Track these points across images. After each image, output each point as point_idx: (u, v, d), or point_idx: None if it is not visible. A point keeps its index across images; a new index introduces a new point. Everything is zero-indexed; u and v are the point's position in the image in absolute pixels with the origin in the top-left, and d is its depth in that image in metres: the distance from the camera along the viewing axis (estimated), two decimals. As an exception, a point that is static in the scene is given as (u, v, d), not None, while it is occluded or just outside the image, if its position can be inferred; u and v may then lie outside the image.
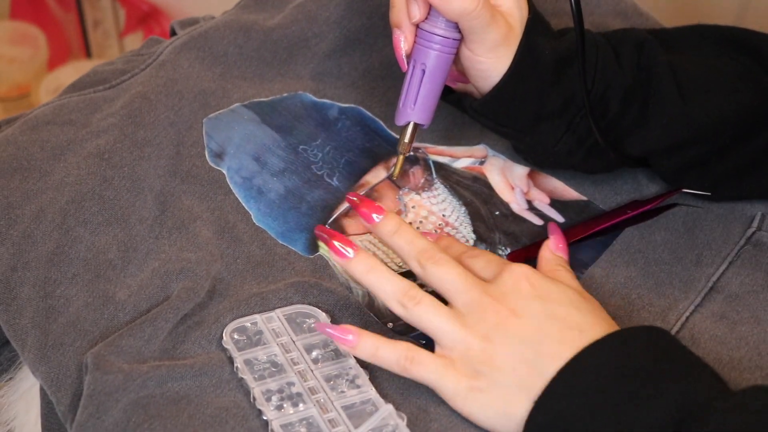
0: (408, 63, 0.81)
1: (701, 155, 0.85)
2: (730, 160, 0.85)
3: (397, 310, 0.73)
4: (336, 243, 0.75)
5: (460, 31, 0.79)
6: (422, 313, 0.72)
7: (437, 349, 0.72)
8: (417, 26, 0.80)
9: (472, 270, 0.74)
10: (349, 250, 0.75)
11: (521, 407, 0.69)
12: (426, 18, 0.79)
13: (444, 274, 0.73)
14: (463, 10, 0.76)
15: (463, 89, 0.85)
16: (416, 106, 0.81)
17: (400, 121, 0.82)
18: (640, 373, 0.66)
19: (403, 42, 0.80)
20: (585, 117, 0.82)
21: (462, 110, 0.87)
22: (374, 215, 0.76)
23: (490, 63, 0.79)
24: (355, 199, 0.77)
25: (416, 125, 0.82)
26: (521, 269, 0.73)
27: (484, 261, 0.75)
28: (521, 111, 0.82)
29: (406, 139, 0.83)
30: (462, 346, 0.71)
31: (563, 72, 0.81)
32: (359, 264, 0.74)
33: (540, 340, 0.69)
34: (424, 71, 0.80)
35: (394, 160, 0.92)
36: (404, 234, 0.75)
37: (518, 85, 0.80)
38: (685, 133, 0.83)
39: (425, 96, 0.81)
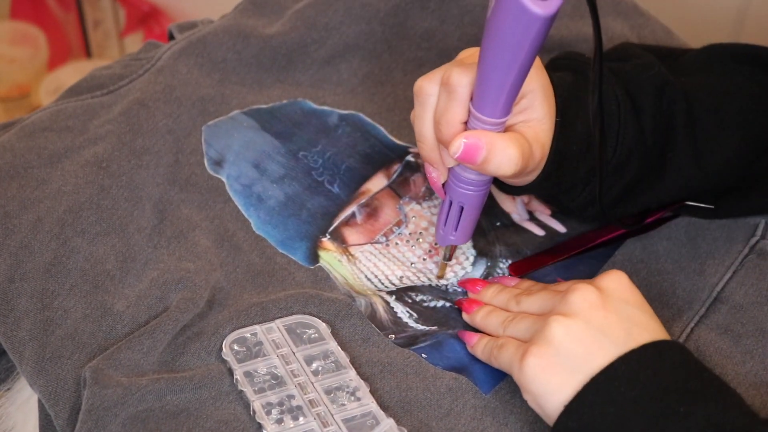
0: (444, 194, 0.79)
1: (708, 191, 0.85)
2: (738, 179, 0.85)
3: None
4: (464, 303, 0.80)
5: None
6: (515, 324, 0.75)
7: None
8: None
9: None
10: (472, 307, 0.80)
11: (570, 391, 0.68)
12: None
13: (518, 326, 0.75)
14: (502, 174, 0.73)
15: None
16: (457, 233, 0.80)
17: (442, 243, 0.81)
18: (673, 389, 0.66)
19: (437, 177, 0.78)
20: (606, 178, 0.80)
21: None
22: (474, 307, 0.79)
23: (527, 180, 0.78)
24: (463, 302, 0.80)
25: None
26: (623, 274, 0.73)
27: (540, 298, 0.76)
28: (548, 192, 0.82)
29: (448, 253, 0.82)
30: (546, 329, 0.70)
31: (589, 149, 0.79)
32: (477, 314, 0.79)
33: (623, 340, 0.68)
34: (462, 208, 0.78)
35: (395, 166, 0.91)
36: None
37: (545, 185, 0.79)
38: (697, 178, 0.83)
39: (465, 225, 0.79)
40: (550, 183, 0.78)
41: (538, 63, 0.74)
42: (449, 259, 0.83)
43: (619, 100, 0.79)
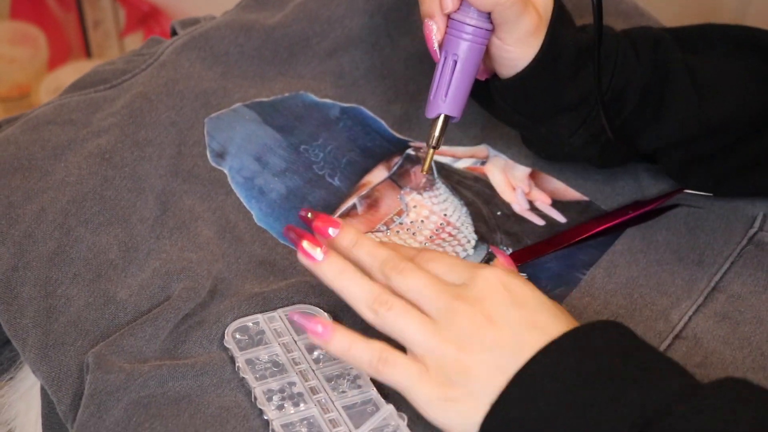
0: (439, 54, 0.80)
1: (708, 151, 0.85)
2: (736, 157, 0.85)
3: (367, 316, 0.69)
4: (305, 244, 0.70)
5: (491, 22, 0.78)
6: (394, 319, 0.68)
7: (409, 354, 0.68)
8: (448, 17, 0.79)
9: (435, 275, 0.70)
10: (318, 251, 0.69)
11: (481, 409, 0.65)
12: (458, 9, 0.78)
13: (412, 283, 0.68)
14: (497, 1, 0.75)
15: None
16: (448, 97, 0.79)
17: (431, 113, 0.80)
18: (597, 377, 0.63)
19: (435, 32, 0.79)
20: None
21: (486, 107, 0.86)
22: (330, 229, 0.71)
23: (519, 52, 0.79)
24: (308, 215, 0.72)
25: (447, 118, 0.80)
26: (495, 273, 0.68)
27: (447, 265, 0.70)
28: (540, 100, 0.81)
29: (437, 132, 0.80)
30: (436, 355, 0.66)
31: (584, 65, 0.81)
32: (329, 267, 0.69)
33: (519, 349, 0.65)
34: (455, 62, 0.79)
35: (395, 159, 0.91)
36: (364, 246, 0.71)
37: (541, 76, 0.79)
38: (698, 129, 0.83)
39: (457, 87, 0.79)
40: (545, 73, 0.79)
41: None
42: (436, 145, 0.81)
43: (618, 39, 0.82)
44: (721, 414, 0.61)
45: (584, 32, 0.82)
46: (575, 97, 0.81)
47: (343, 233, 0.71)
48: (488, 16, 0.78)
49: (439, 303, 0.68)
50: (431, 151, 0.81)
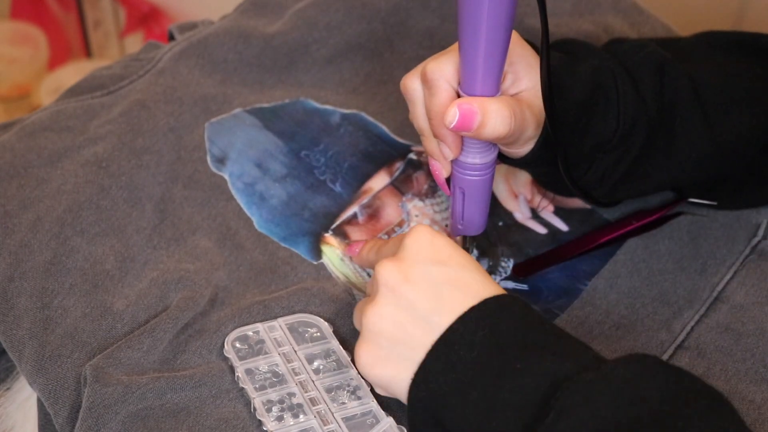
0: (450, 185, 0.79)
1: (724, 172, 0.84)
2: (749, 172, 0.84)
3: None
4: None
5: (494, 151, 0.77)
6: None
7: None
8: None
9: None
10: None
11: (407, 375, 0.68)
12: (459, 154, 0.76)
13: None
14: (497, 137, 0.73)
15: None
16: (464, 222, 0.80)
17: (453, 234, 0.82)
18: (509, 346, 0.65)
19: (441, 171, 0.78)
20: (611, 153, 0.79)
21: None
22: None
23: (524, 150, 0.77)
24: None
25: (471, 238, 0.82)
26: (424, 230, 0.71)
27: (393, 240, 0.77)
28: (551, 170, 0.80)
29: (465, 245, 0.82)
30: (366, 318, 0.69)
31: (588, 120, 0.78)
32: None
33: (440, 307, 0.68)
34: (467, 194, 0.78)
35: (397, 164, 0.91)
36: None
37: (546, 154, 0.78)
38: (711, 153, 0.81)
39: (471, 214, 0.79)
40: (549, 152, 0.77)
41: (516, 38, 0.74)
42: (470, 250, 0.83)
43: (615, 72, 0.79)
44: (627, 382, 0.62)
45: (581, 76, 0.78)
46: (587, 147, 0.79)
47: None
48: (491, 148, 0.76)
49: (377, 264, 0.71)
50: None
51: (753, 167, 0.84)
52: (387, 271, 0.69)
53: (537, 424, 0.62)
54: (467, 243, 0.82)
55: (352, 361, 0.75)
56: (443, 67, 0.73)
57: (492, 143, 0.75)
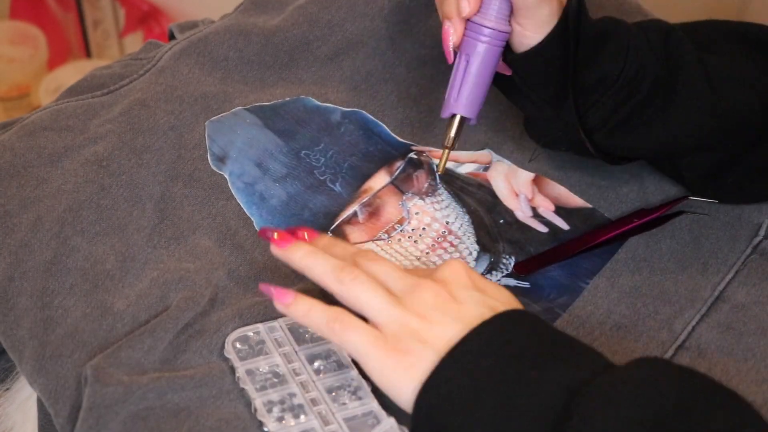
0: (456, 55, 0.80)
1: (724, 155, 0.84)
2: (744, 161, 0.84)
3: (333, 286, 0.70)
4: (275, 235, 0.73)
5: (509, 24, 0.79)
6: (359, 288, 0.70)
7: (369, 323, 0.70)
8: (467, 20, 0.79)
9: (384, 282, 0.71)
10: (289, 241, 0.74)
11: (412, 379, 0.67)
12: (477, 12, 0.78)
13: (380, 267, 0.71)
14: None
15: None
16: (464, 98, 0.80)
17: (445, 113, 0.81)
18: (525, 356, 0.66)
19: (452, 34, 0.79)
20: (614, 95, 0.81)
21: (505, 91, 0.86)
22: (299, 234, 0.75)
23: (537, 37, 0.79)
24: (273, 235, 0.74)
25: (463, 119, 0.81)
26: (459, 263, 0.71)
27: (396, 275, 0.72)
28: (554, 78, 0.81)
29: (452, 133, 0.81)
30: (398, 323, 0.68)
31: (603, 48, 0.80)
32: (297, 249, 0.73)
33: (489, 308, 0.69)
34: (471, 63, 0.79)
35: (397, 163, 0.91)
36: (335, 245, 0.75)
37: (556, 51, 0.79)
38: (712, 123, 0.82)
39: (471, 88, 0.80)
40: (561, 50, 0.78)
41: None
42: (452, 145, 0.82)
43: (629, 27, 0.81)
44: (643, 382, 0.63)
45: (600, 18, 0.81)
46: (592, 79, 0.80)
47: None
48: (507, 17, 0.78)
49: (405, 282, 0.70)
50: (446, 151, 0.82)
51: (756, 158, 0.84)
52: (436, 293, 0.69)
53: (559, 429, 0.62)
54: (454, 129, 0.81)
55: (353, 361, 0.75)
56: None
57: (507, 16, 0.78)
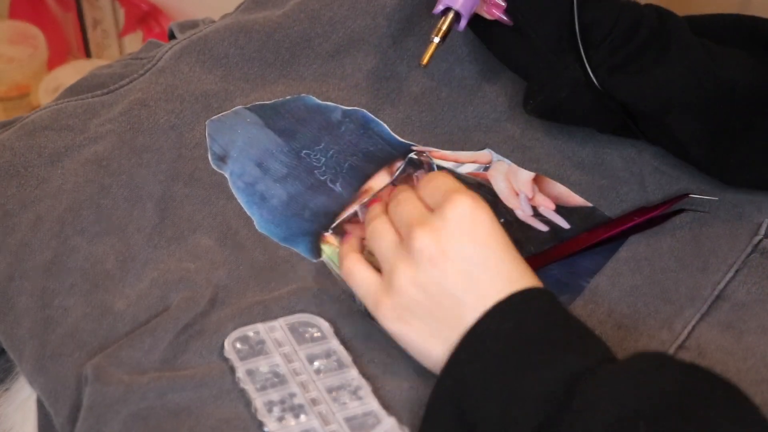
0: None
1: (722, 128, 0.84)
2: (746, 143, 0.84)
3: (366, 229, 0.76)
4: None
5: None
6: (376, 228, 0.75)
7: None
8: None
9: (422, 199, 0.75)
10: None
11: (437, 351, 0.71)
12: None
13: (400, 208, 0.74)
14: None
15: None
16: None
17: (438, 9, 0.81)
18: (535, 340, 0.68)
19: None
20: (609, 41, 0.82)
21: (489, 44, 0.87)
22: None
23: None
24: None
25: (453, 17, 0.80)
26: (466, 201, 0.71)
27: (431, 187, 0.75)
28: (554, 12, 0.81)
29: (443, 26, 0.81)
30: (393, 277, 0.72)
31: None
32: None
33: (464, 288, 0.70)
34: None
35: (397, 163, 0.91)
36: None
37: None
38: (708, 84, 0.82)
39: None
40: None
41: None
42: (440, 37, 0.82)
43: None
44: (645, 373, 0.64)
45: None
46: (589, 19, 0.81)
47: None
48: None
49: (409, 224, 0.72)
50: (433, 44, 0.82)
51: (759, 141, 0.84)
52: (424, 240, 0.71)
53: (560, 412, 0.63)
54: (446, 24, 0.81)
55: (354, 361, 0.75)
56: None
57: None
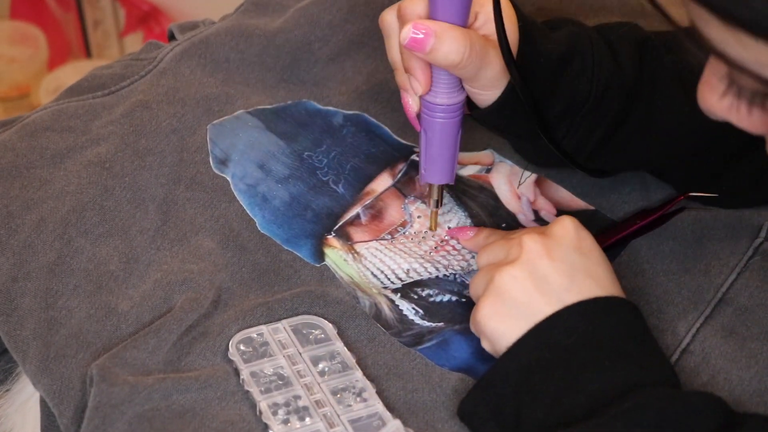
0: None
1: (711, 163, 0.84)
2: (741, 167, 0.84)
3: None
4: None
5: (462, 89, 0.78)
6: (491, 247, 0.78)
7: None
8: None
9: None
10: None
11: (516, 335, 0.72)
12: (428, 92, 0.77)
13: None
14: (450, 63, 0.74)
15: None
16: (434, 170, 0.81)
17: (421, 181, 0.83)
18: (606, 346, 0.70)
19: (411, 104, 0.80)
20: (586, 117, 0.81)
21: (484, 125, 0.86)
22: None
23: (490, 95, 0.79)
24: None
25: (441, 187, 0.83)
26: (571, 220, 0.75)
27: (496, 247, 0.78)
28: (521, 122, 0.81)
29: (435, 196, 0.83)
30: (496, 272, 0.74)
31: (561, 75, 0.80)
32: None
33: (563, 285, 0.72)
34: (432, 138, 0.79)
35: (400, 166, 0.91)
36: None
37: (518, 99, 0.79)
38: (694, 137, 0.82)
39: (438, 159, 0.80)
40: (520, 103, 0.78)
41: None
42: (436, 206, 0.84)
43: (592, 40, 0.81)
44: (693, 406, 0.66)
45: (556, 36, 0.80)
46: (561, 106, 0.81)
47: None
48: (459, 85, 0.78)
49: (524, 235, 0.75)
50: (434, 212, 0.85)
51: (751, 163, 0.84)
52: (533, 243, 0.74)
53: (607, 407, 0.66)
54: (435, 194, 0.83)
55: (358, 362, 0.75)
56: (421, 3, 0.75)
57: (459, 86, 0.77)
